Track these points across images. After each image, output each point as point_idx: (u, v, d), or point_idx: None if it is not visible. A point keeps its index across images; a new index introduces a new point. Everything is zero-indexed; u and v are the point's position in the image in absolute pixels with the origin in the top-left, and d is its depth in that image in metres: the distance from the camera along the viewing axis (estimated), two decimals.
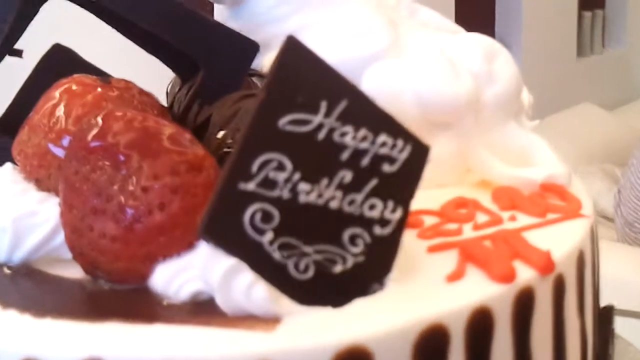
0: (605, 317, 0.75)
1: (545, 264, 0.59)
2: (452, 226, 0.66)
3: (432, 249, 0.63)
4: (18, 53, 0.74)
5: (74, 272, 0.60)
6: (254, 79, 0.73)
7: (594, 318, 0.69)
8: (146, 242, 0.56)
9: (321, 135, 0.55)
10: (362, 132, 0.56)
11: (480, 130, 0.76)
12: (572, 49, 3.37)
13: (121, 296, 0.57)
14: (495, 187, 0.74)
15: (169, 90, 0.81)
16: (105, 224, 0.56)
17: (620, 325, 0.83)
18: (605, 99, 3.25)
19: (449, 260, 0.60)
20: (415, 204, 0.59)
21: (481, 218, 0.68)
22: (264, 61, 0.74)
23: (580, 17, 3.42)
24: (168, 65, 0.78)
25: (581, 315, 0.65)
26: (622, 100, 3.42)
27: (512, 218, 0.68)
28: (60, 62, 0.73)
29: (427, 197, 0.68)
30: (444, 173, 0.76)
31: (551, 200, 0.71)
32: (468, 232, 0.65)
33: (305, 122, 0.55)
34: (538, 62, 3.02)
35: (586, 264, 0.65)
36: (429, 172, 0.62)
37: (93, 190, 0.56)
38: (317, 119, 0.55)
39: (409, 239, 0.62)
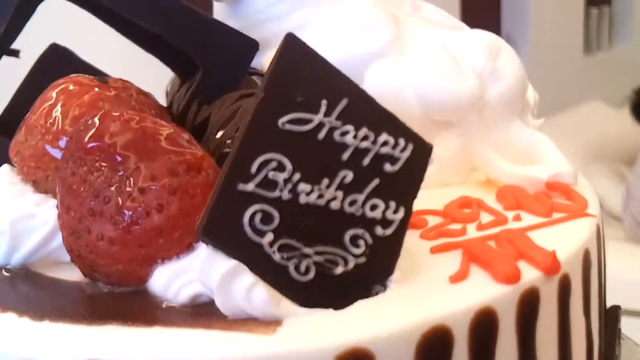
0: (611, 317, 0.73)
1: (550, 264, 0.58)
2: (455, 226, 0.66)
3: (436, 250, 0.62)
4: (15, 53, 0.74)
5: (73, 274, 0.60)
6: (254, 78, 0.72)
7: (600, 318, 0.68)
8: (144, 244, 0.55)
9: (321, 134, 0.55)
10: (363, 131, 0.55)
11: (485, 129, 0.75)
12: (579, 46, 3.36)
13: (120, 299, 0.57)
14: (500, 187, 0.73)
15: (168, 90, 0.80)
16: (103, 226, 0.55)
17: (629, 325, 0.82)
18: (613, 96, 3.23)
19: (452, 261, 0.59)
20: (418, 204, 0.58)
21: (485, 218, 0.67)
22: (264, 60, 0.73)
23: (587, 14, 3.40)
24: (167, 64, 0.77)
25: (587, 316, 0.64)
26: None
27: (517, 218, 0.67)
28: (58, 62, 0.72)
29: (430, 196, 0.67)
30: (448, 172, 0.75)
31: (557, 200, 0.70)
32: (472, 232, 0.65)
33: (305, 121, 0.54)
34: (545, 60, 3.00)
35: (592, 263, 0.64)
36: (432, 172, 0.61)
37: (90, 192, 0.55)
38: (318, 118, 0.54)
39: (412, 239, 0.62)
